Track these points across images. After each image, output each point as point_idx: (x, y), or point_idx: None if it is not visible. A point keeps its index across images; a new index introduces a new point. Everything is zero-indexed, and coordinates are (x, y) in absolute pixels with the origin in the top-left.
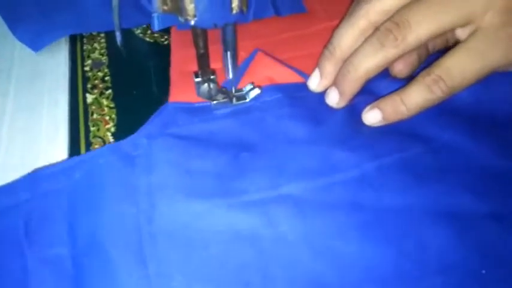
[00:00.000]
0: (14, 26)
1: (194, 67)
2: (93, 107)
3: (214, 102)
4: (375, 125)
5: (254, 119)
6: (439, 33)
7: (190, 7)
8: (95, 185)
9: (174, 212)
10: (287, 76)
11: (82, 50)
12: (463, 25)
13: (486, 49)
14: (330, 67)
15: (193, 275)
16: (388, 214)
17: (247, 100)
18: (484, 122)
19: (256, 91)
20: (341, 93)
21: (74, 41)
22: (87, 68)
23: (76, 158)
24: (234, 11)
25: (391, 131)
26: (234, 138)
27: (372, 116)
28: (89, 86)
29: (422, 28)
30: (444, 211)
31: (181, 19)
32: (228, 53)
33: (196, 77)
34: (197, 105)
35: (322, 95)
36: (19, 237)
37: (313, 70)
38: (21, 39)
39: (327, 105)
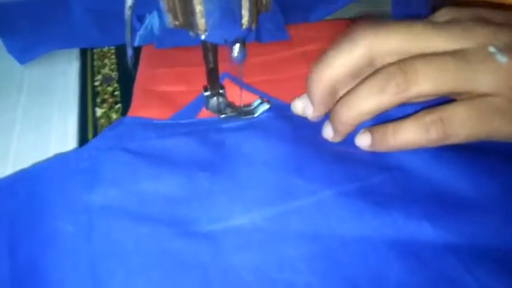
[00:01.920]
0: (5, 39)
1: (158, 87)
2: (102, 121)
3: (223, 116)
4: (364, 149)
5: (213, 139)
6: (444, 93)
7: (201, 22)
8: (36, 201)
9: (115, 233)
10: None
11: (92, 66)
12: (470, 92)
13: (492, 115)
14: (319, 94)
15: None
16: (342, 244)
17: (256, 115)
18: (445, 151)
19: (265, 106)
20: (335, 131)
21: (85, 57)
22: (97, 83)
23: (21, 173)
24: (244, 27)
25: (352, 158)
26: (191, 157)
27: (362, 140)
28: (98, 100)
29: (428, 83)
30: (401, 241)
31: (192, 34)
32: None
33: (206, 91)
34: (155, 121)
35: (285, 119)
36: None
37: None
38: (10, 51)
39: (288, 130)
